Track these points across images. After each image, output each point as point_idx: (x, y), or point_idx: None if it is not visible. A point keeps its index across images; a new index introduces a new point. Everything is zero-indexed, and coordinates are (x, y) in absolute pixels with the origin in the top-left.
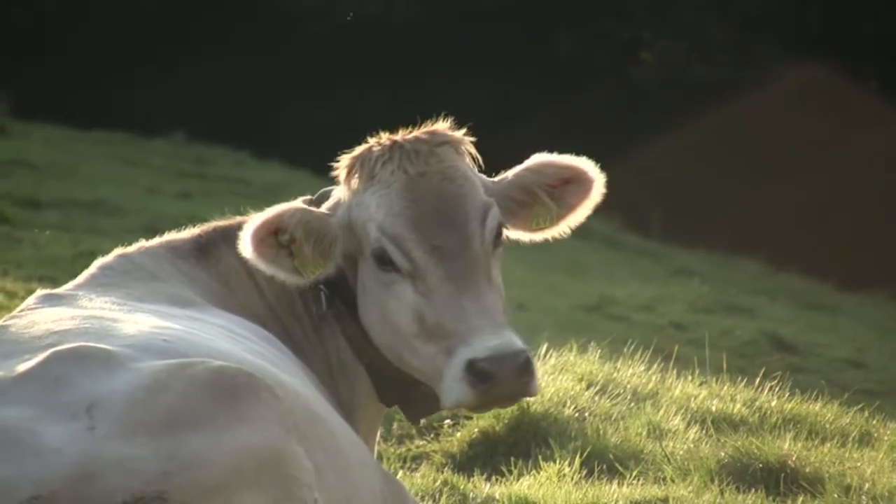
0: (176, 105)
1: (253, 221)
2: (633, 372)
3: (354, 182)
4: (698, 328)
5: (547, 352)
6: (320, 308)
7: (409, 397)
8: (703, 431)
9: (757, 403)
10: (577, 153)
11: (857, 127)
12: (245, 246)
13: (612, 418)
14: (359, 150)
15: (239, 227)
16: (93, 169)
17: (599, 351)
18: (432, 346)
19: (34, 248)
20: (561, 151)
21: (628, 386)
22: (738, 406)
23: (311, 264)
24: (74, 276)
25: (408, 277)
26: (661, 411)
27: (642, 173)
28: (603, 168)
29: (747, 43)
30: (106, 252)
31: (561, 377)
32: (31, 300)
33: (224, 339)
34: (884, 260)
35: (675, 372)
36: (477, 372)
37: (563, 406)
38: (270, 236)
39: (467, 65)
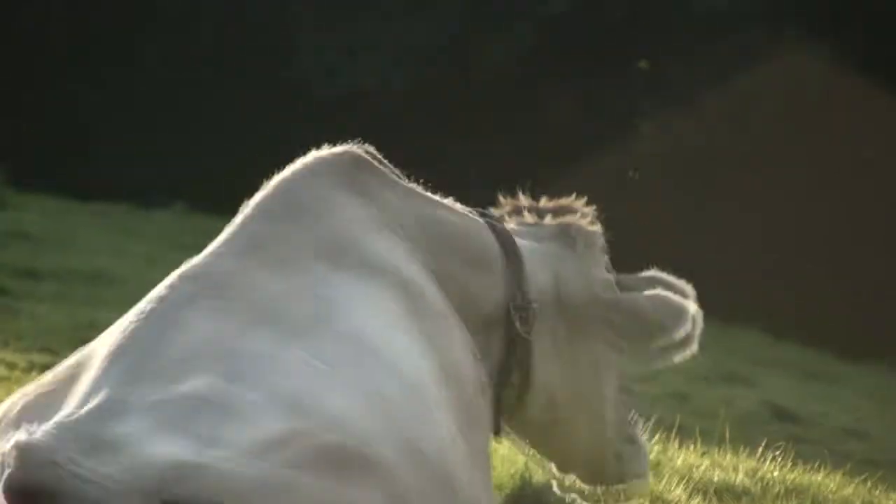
0: (176, 176)
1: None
2: None
3: (585, 247)
4: (699, 398)
5: None
6: (526, 326)
7: None
8: (706, 502)
9: (759, 473)
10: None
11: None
12: None
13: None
14: (575, 215)
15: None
16: (91, 239)
17: None
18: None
19: (33, 319)
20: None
21: None
22: (741, 476)
23: None
24: (74, 346)
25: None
26: (664, 481)
27: (642, 241)
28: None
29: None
30: (106, 323)
31: None
32: (170, 282)
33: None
34: (883, 330)
35: (676, 442)
36: None
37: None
38: None
39: (465, 130)
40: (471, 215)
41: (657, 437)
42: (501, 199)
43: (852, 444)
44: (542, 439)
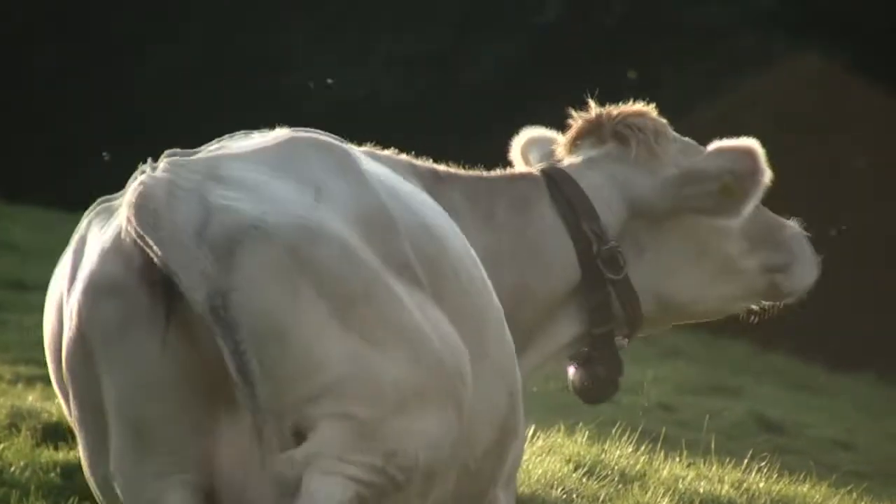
0: None
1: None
2: (621, 453)
3: (639, 145)
4: (686, 409)
5: (534, 433)
6: (618, 269)
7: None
8: None
9: (745, 485)
10: None
11: (847, 205)
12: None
13: (600, 500)
14: (640, 118)
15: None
16: None
17: (587, 432)
18: (762, 251)
19: (20, 330)
20: None
21: (616, 467)
22: (727, 487)
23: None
24: None
25: None
26: (649, 493)
27: None
28: None
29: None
30: None
31: (548, 459)
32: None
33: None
34: (872, 340)
35: (662, 453)
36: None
37: (551, 488)
38: None
39: (456, 139)
40: (525, 182)
41: (643, 448)
42: (573, 116)
43: (839, 455)
44: (673, 321)
